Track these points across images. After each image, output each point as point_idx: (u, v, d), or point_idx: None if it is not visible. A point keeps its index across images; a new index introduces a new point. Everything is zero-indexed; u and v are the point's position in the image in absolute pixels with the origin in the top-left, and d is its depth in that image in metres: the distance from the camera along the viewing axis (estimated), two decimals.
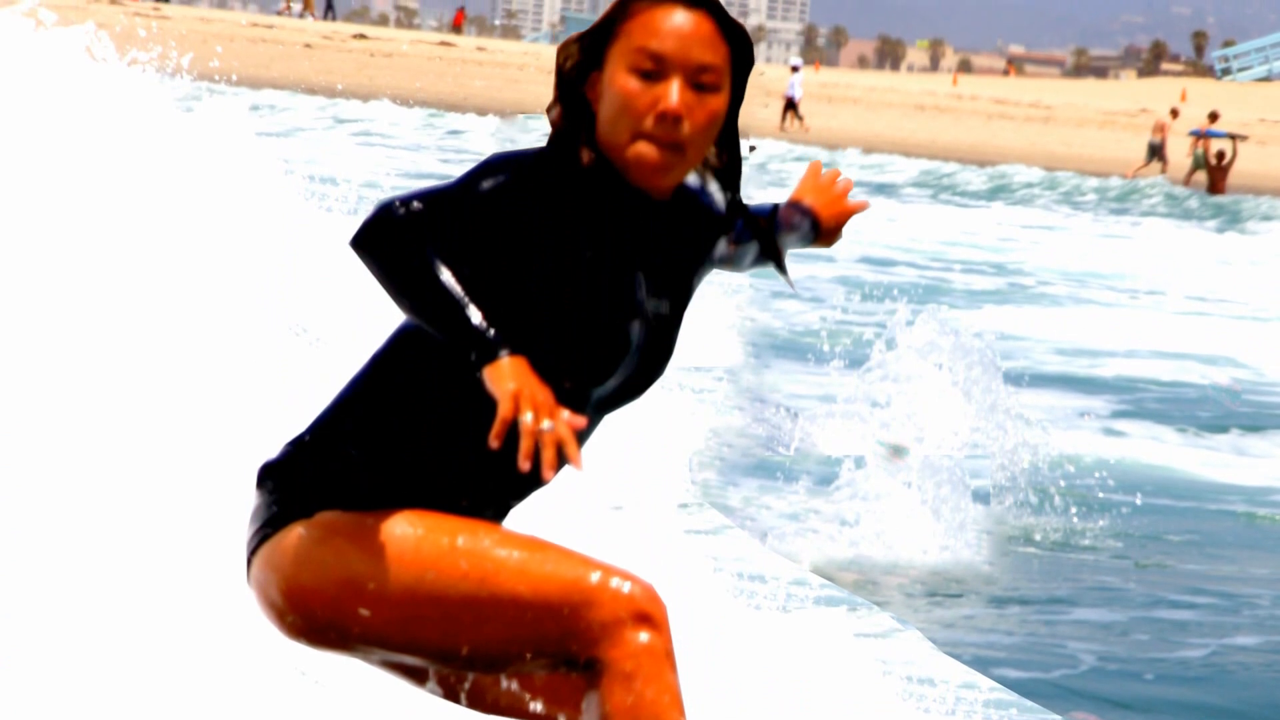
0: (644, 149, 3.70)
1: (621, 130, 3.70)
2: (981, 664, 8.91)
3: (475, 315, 3.50)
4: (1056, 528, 12.43)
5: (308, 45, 72.86)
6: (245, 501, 3.85)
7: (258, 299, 10.11)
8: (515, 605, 3.59)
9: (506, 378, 3.47)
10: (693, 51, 3.69)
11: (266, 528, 3.74)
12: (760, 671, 7.01)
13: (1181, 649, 9.95)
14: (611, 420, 3.97)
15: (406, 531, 3.64)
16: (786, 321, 21.76)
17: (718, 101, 3.74)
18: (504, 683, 3.80)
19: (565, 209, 3.68)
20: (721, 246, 3.97)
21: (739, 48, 3.78)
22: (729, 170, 3.87)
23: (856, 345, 16.11)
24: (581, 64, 3.76)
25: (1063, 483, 12.98)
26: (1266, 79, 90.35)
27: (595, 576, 3.60)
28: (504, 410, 3.44)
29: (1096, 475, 13.48)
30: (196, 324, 9.03)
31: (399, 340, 3.78)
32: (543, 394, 3.47)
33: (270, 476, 3.77)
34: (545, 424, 3.44)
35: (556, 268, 3.67)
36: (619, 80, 3.70)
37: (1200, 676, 9.49)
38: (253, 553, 3.76)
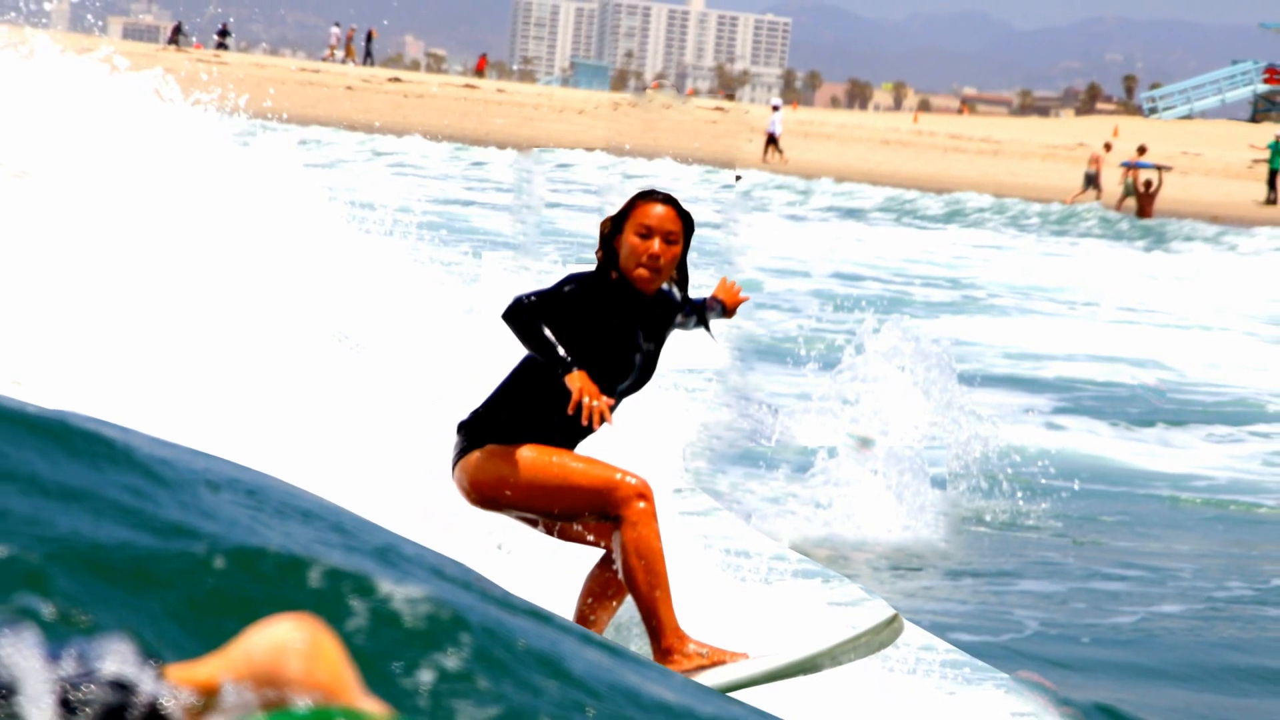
0: (642, 272, 6.47)
1: (631, 263, 6.47)
2: (939, 629, 8.91)
3: (561, 350, 6.23)
4: (1004, 510, 12.43)
5: (349, 88, 72.90)
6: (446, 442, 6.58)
7: (304, 308, 10.11)
8: (580, 489, 6.34)
9: (576, 380, 6.19)
10: (665, 225, 6.48)
11: (461, 453, 6.46)
12: (745, 635, 7.01)
13: (1114, 616, 9.95)
14: (624, 407, 6.68)
15: (528, 454, 6.39)
16: (768, 329, 21.75)
17: (677, 249, 6.52)
18: (575, 526, 6.49)
19: (604, 300, 6.44)
20: (678, 318, 6.73)
21: (687, 222, 6.55)
22: (682, 282, 6.64)
23: (829, 350, 16.11)
24: (612, 231, 6.50)
25: (1010, 470, 12.99)
26: (1188, 117, 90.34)
27: (618, 475, 6.35)
28: (575, 396, 6.17)
29: (1039, 464, 13.49)
30: (252, 328, 9.03)
31: (525, 363, 6.45)
32: (593, 388, 6.20)
33: (463, 427, 6.49)
34: (595, 403, 6.15)
35: (599, 328, 6.42)
36: (629, 239, 6.47)
37: (1130, 640, 9.49)
38: (454, 465, 6.47)
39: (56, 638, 2.14)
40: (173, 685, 2.09)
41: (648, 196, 6.52)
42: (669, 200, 6.52)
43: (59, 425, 3.20)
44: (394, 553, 3.27)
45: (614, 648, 3.47)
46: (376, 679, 2.44)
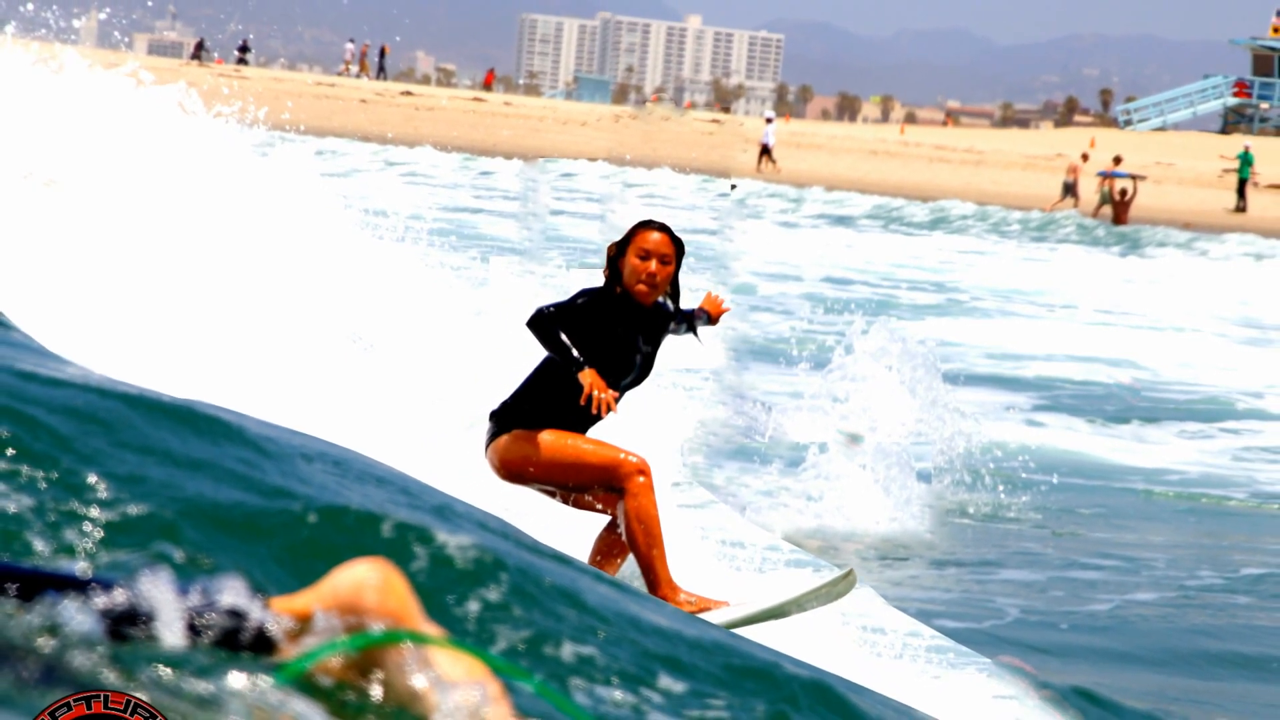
0: (642, 288, 7.33)
1: (633, 280, 7.32)
2: (924, 616, 8.91)
3: (575, 351, 7.09)
4: (987, 502, 12.43)
5: (363, 101, 72.86)
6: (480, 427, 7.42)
7: (321, 311, 10.11)
8: (591, 466, 7.16)
9: (587, 377, 7.06)
10: (661, 248, 7.33)
11: (492, 437, 7.29)
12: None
13: (1091, 603, 9.95)
14: (627, 400, 7.49)
15: (548, 438, 7.22)
16: (761, 330, 21.75)
17: (671, 268, 7.37)
18: (586, 496, 7.31)
19: (610, 311, 7.28)
20: (672, 325, 7.54)
21: (679, 246, 7.39)
22: (675, 295, 7.48)
23: (820, 350, 16.09)
24: (616, 253, 7.33)
25: (992, 465, 12.99)
26: (1161, 129, 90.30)
27: (622, 454, 7.17)
28: (586, 390, 7.05)
29: (1020, 459, 13.48)
30: (272, 329, 9.03)
31: (545, 363, 7.26)
32: (601, 383, 7.07)
33: (494, 415, 7.31)
34: (602, 396, 7.04)
35: (606, 334, 7.25)
36: (631, 260, 7.33)
37: (1106, 626, 9.49)
38: (486, 447, 7.30)
39: (185, 576, 2.60)
40: (276, 613, 2.55)
41: (647, 225, 7.38)
42: (664, 228, 7.39)
43: (187, 410, 3.77)
44: (448, 510, 3.87)
45: (620, 585, 4.09)
46: (434, 608, 2.95)
